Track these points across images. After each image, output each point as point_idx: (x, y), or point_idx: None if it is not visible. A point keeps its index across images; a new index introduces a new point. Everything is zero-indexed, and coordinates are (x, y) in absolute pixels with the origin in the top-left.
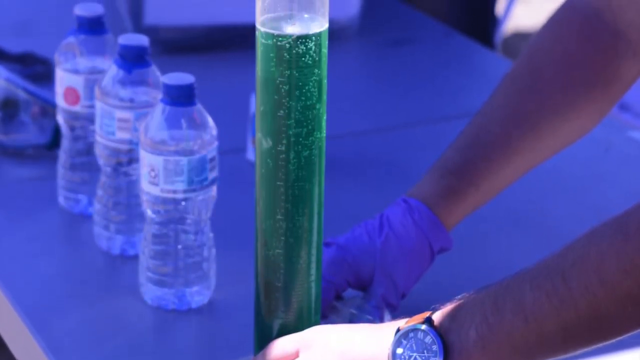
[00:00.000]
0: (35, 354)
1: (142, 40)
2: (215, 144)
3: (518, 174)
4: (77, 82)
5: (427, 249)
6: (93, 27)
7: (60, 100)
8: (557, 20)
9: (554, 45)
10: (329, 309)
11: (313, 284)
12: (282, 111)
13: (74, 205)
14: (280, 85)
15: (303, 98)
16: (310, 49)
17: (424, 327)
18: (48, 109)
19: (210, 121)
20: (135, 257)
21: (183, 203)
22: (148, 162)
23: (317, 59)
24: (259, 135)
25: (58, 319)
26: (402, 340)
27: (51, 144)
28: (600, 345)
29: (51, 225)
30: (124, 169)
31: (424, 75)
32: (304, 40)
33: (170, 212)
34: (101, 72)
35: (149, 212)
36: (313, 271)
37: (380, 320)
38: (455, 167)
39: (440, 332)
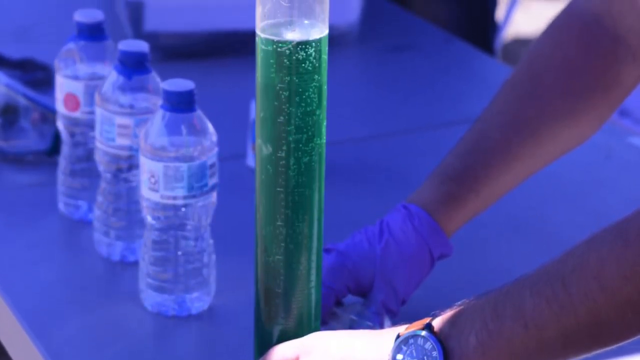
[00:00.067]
0: None
1: (142, 46)
2: (215, 150)
3: (518, 180)
4: (77, 88)
5: (427, 255)
6: (93, 33)
7: (60, 107)
8: (556, 26)
9: (554, 51)
10: (329, 315)
11: (313, 290)
12: (282, 117)
13: (74, 212)
14: (280, 92)
15: (303, 104)
16: (310, 55)
17: (424, 333)
18: (48, 115)
19: (210, 127)
20: (135, 264)
21: (183, 209)
22: (148, 168)
23: (317, 65)
24: (259, 141)
25: (58, 325)
26: (402, 347)
27: (51, 150)
28: (600, 351)
29: (51, 231)
30: (124, 175)
31: (424, 81)
32: (304, 46)
33: (170, 219)
34: (101, 78)
35: (149, 219)
36: (313, 277)
37: (380, 326)
38: (455, 173)
39: (440, 338)
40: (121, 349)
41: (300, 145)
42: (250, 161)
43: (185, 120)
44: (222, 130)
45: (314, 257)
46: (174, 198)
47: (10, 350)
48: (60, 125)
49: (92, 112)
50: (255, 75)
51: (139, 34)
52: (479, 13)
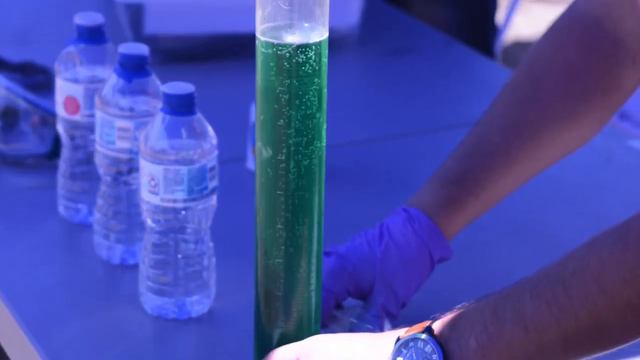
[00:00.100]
0: None
1: (142, 49)
2: (215, 153)
3: (518, 183)
4: (77, 91)
5: (427, 258)
6: (93, 36)
7: (60, 110)
8: (557, 29)
9: (554, 55)
10: (329, 318)
11: (313, 293)
12: (282, 120)
13: (74, 215)
14: (280, 95)
15: (303, 107)
16: (310, 58)
17: (424, 336)
18: (48, 118)
19: (210, 130)
20: (135, 267)
21: (183, 212)
22: (148, 171)
23: (317, 68)
24: (259, 144)
25: (58, 328)
26: (402, 350)
27: (51, 153)
28: (600, 354)
29: (51, 234)
30: (124, 178)
31: (424, 84)
32: (304, 49)
33: (170, 222)
34: (101, 81)
35: (149, 222)
36: (313, 280)
37: (380, 329)
38: (455, 177)
39: (440, 341)
40: (121, 352)
41: (300, 148)
42: (250, 164)
43: (185, 123)
44: (222, 133)
45: (314, 260)
46: (174, 201)
47: (10, 353)
48: (60, 128)
49: (92, 115)
50: (255, 78)
51: (139, 37)
52: (479, 16)
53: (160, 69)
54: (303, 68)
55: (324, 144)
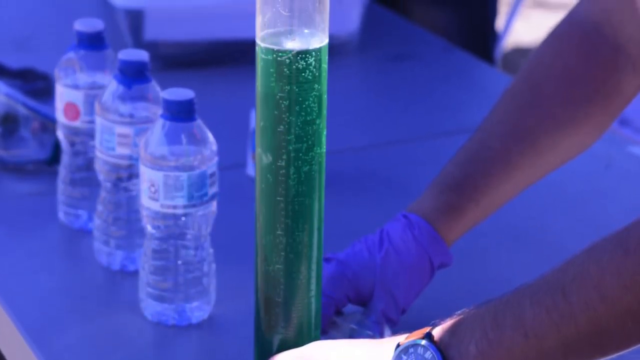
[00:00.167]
0: None
1: (142, 55)
2: (215, 159)
3: (518, 190)
4: (77, 97)
5: (427, 265)
6: (93, 42)
7: (60, 116)
8: (556, 35)
9: (554, 61)
10: (329, 325)
11: (313, 300)
12: (282, 126)
13: (74, 221)
14: (280, 101)
15: (303, 113)
16: (310, 64)
17: (424, 342)
18: (48, 124)
19: (210, 136)
20: (135, 273)
21: (183, 218)
22: (148, 177)
23: (317, 74)
24: (259, 150)
25: (58, 334)
26: (402, 356)
27: (51, 159)
28: None
29: (51, 240)
30: (124, 184)
31: (423, 90)
32: (304, 55)
33: (170, 228)
34: (101, 87)
35: (149, 228)
36: (313, 286)
37: (380, 335)
38: (455, 183)
39: (440, 347)
40: (121, 358)
41: (300, 155)
42: (250, 170)
43: (185, 130)
44: (222, 139)
45: (314, 267)
46: (174, 207)
47: (10, 359)
48: (60, 134)
49: (92, 122)
50: (255, 85)
51: (139, 43)
52: (479, 22)
53: (160, 75)
54: (303, 74)
55: (324, 150)
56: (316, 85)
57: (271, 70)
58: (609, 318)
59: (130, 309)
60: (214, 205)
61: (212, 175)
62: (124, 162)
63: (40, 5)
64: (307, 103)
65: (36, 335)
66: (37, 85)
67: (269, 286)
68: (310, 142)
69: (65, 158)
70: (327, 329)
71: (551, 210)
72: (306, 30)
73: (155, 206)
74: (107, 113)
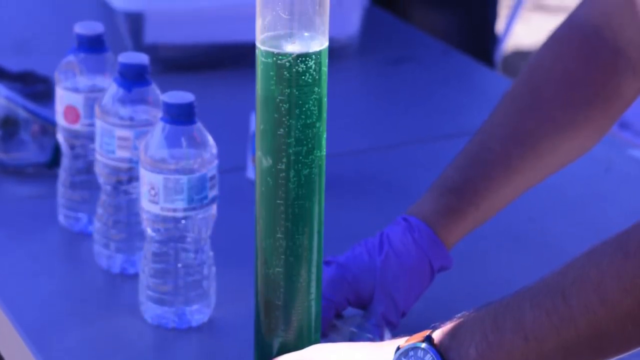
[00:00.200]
0: None
1: (142, 58)
2: (215, 162)
3: (518, 193)
4: (77, 100)
5: (427, 268)
6: (93, 45)
7: (60, 119)
8: (556, 38)
9: (554, 64)
10: (329, 328)
11: (313, 303)
12: (282, 130)
13: (74, 224)
14: (280, 104)
15: (303, 116)
16: (310, 67)
17: (424, 345)
18: (48, 127)
19: (210, 140)
20: (135, 276)
21: (183, 221)
22: (148, 180)
23: (317, 77)
24: (259, 153)
25: (58, 337)
26: (402, 359)
27: (51, 162)
28: None
29: (51, 243)
30: (124, 187)
31: (423, 93)
32: (304, 58)
33: (170, 231)
34: (101, 90)
35: (149, 231)
36: (313, 290)
37: (381, 338)
38: (455, 186)
39: (440, 350)
40: None
41: (300, 158)
42: (250, 173)
43: (185, 133)
44: (222, 142)
45: (314, 270)
46: (174, 210)
47: None
48: (60, 137)
49: (92, 125)
50: (255, 88)
51: (139, 46)
52: (479, 25)
53: (160, 78)
54: (303, 77)
55: (324, 153)
56: (316, 89)
57: (271, 73)
58: (609, 321)
59: (130, 312)
60: (214, 209)
61: (212, 178)
62: (124, 165)
63: (40, 8)
64: (307, 106)
65: (36, 338)
66: (37, 88)
67: (269, 289)
68: (310, 145)
69: (65, 161)
70: (327, 332)
71: (551, 213)
72: (306, 34)
73: (155, 209)
74: (107, 116)
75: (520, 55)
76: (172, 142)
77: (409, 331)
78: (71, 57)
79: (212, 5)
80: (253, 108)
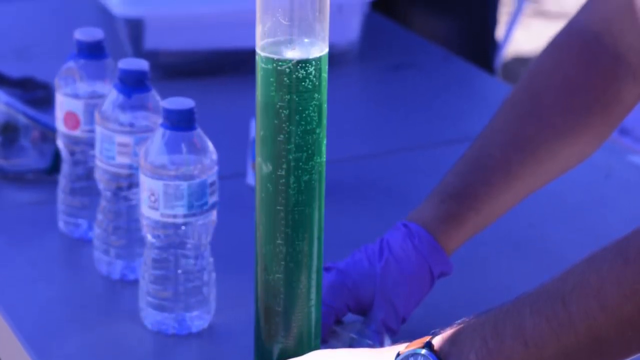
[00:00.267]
0: None
1: (142, 64)
2: (215, 168)
3: (518, 199)
4: (77, 106)
5: (427, 274)
6: (93, 51)
7: (60, 125)
8: (556, 44)
9: (554, 70)
10: (329, 334)
11: (313, 309)
12: (282, 136)
13: (74, 230)
14: (280, 110)
15: (303, 122)
16: (310, 73)
17: (424, 351)
18: (48, 133)
19: (210, 146)
20: (135, 282)
21: (183, 227)
22: (148, 186)
23: (317, 83)
24: (259, 159)
25: (58, 343)
26: None
27: (51, 168)
28: None
29: (51, 249)
30: (124, 193)
31: (424, 99)
32: (304, 64)
33: (170, 237)
34: (101, 96)
35: (149, 237)
36: (313, 296)
37: (380, 344)
38: (455, 192)
39: (440, 356)
40: None
41: (300, 164)
42: (250, 179)
43: (185, 139)
44: (222, 148)
45: (314, 276)
46: (174, 216)
47: None
48: (60, 143)
49: (92, 131)
50: (255, 94)
51: (139, 52)
52: (479, 31)
53: (160, 84)
54: (303, 83)
55: (324, 159)
56: (316, 95)
57: (271, 79)
58: (609, 327)
59: (130, 318)
60: (214, 215)
61: (212, 184)
62: (124, 171)
63: (40, 15)
64: (307, 112)
65: (36, 344)
66: (37, 94)
67: (269, 295)
68: (310, 152)
69: (65, 167)
70: (327, 338)
71: (551, 220)
72: (306, 40)
73: (155, 215)
74: (107, 122)
75: (520, 61)
76: (172, 148)
77: (409, 337)
78: (71, 63)
79: (212, 12)
80: (253, 114)
